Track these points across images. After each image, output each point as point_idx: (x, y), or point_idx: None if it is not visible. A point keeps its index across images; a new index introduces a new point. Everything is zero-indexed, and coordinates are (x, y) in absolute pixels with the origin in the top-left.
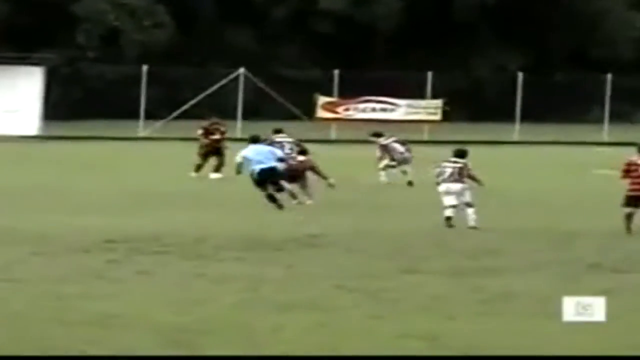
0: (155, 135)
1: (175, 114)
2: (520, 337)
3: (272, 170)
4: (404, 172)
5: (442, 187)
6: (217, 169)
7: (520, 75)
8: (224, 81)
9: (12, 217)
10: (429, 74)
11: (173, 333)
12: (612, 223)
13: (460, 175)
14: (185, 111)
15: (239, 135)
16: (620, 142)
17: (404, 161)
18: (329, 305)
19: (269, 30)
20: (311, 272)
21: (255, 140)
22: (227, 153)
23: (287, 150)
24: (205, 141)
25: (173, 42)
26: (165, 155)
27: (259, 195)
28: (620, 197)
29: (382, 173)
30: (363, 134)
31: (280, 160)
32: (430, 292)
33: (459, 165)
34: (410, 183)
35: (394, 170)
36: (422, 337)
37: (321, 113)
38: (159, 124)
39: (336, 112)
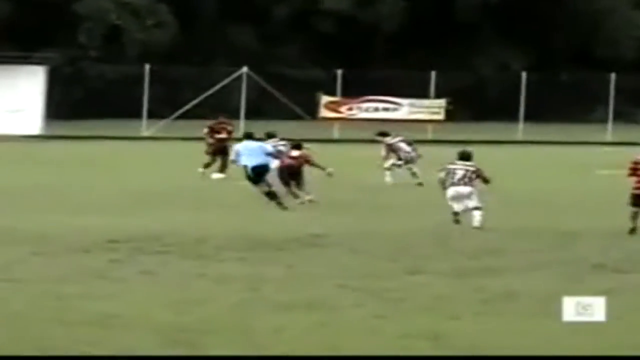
0: (157, 134)
1: (177, 113)
2: (523, 337)
3: (263, 167)
4: (414, 174)
5: (451, 191)
6: (222, 170)
7: (523, 74)
8: (226, 80)
9: (13, 217)
10: (433, 74)
11: (174, 333)
12: (614, 223)
13: (471, 178)
14: (188, 110)
15: (241, 134)
16: (624, 142)
17: (410, 160)
18: (331, 305)
19: (271, 30)
20: (313, 272)
21: (248, 136)
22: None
23: (282, 149)
24: (211, 140)
25: (175, 41)
26: (168, 154)
27: (260, 195)
28: (623, 198)
29: (388, 173)
30: (366, 134)
31: (269, 155)
32: (433, 292)
33: (471, 168)
34: (420, 184)
35: (400, 170)
36: (425, 337)
37: (324, 112)
38: (161, 123)
39: (339, 112)
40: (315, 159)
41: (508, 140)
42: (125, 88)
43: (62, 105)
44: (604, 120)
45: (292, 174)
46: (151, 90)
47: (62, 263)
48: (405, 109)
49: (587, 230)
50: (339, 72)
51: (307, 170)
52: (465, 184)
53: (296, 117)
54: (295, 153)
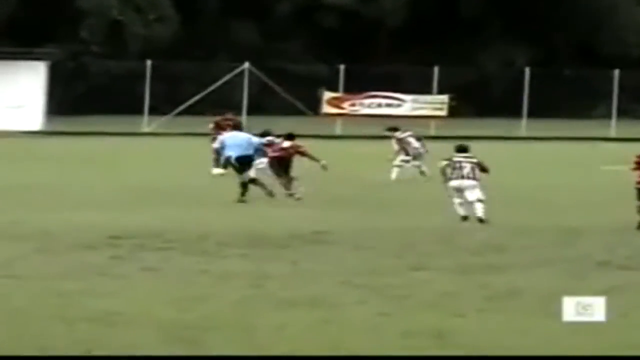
0: (159, 130)
1: (179, 109)
2: (526, 336)
3: (248, 157)
4: (422, 172)
5: (455, 183)
6: (225, 166)
7: (527, 70)
8: (228, 76)
9: (15, 213)
10: (436, 69)
11: (176, 330)
12: (620, 219)
13: (474, 171)
14: (190, 106)
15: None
16: (627, 138)
17: (418, 156)
18: (334, 302)
19: (273, 25)
20: (316, 268)
21: (236, 127)
22: None
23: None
24: (216, 136)
25: (177, 36)
26: (169, 151)
27: (261, 191)
28: (628, 193)
29: (396, 170)
30: (369, 130)
31: (257, 149)
32: (436, 288)
33: (474, 160)
34: (427, 180)
35: (408, 165)
36: (428, 334)
37: (326, 108)
38: (163, 119)
39: (341, 108)
40: (310, 151)
41: (511, 137)
42: (127, 84)
43: (63, 101)
44: (607, 117)
45: (282, 166)
46: (153, 86)
47: (63, 260)
48: (408, 105)
49: (591, 227)
50: (342, 67)
51: (298, 165)
52: (470, 178)
53: (298, 113)
54: (286, 144)
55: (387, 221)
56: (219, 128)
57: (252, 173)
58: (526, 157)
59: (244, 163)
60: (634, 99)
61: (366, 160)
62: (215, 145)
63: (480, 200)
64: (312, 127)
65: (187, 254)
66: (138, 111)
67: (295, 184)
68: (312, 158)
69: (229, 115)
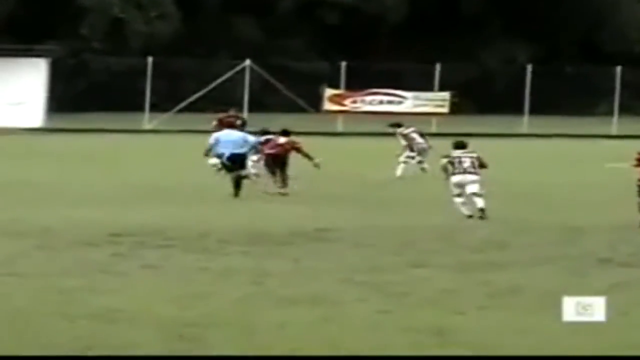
0: (160, 127)
1: (180, 106)
2: (527, 333)
3: (241, 156)
4: (423, 169)
5: (457, 178)
6: None
7: (529, 67)
8: (230, 73)
9: (16, 210)
10: (437, 66)
11: (177, 327)
12: (622, 217)
13: (475, 166)
14: (191, 103)
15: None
16: (629, 135)
17: (422, 152)
18: (335, 300)
19: (275, 22)
20: (317, 266)
21: (230, 125)
22: None
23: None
24: None
25: (178, 33)
26: (171, 148)
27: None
28: (630, 191)
29: (401, 166)
30: (370, 127)
31: (252, 146)
32: (437, 286)
33: (474, 155)
34: (427, 176)
35: (412, 162)
36: (429, 331)
37: (328, 105)
38: (164, 116)
39: (343, 105)
40: (305, 148)
41: (513, 134)
42: (128, 81)
43: (64, 98)
44: (609, 114)
45: (278, 163)
46: (154, 83)
47: (64, 257)
48: (410, 101)
49: (593, 224)
50: (343, 64)
51: (295, 162)
52: (471, 173)
53: (300, 110)
54: (282, 140)
55: (388, 218)
56: (222, 125)
57: (245, 170)
58: (528, 154)
59: (236, 161)
60: (636, 96)
61: (367, 157)
62: (210, 140)
63: (478, 195)
64: (314, 124)
65: (188, 251)
66: (139, 108)
67: (289, 181)
68: (306, 155)
69: (232, 112)
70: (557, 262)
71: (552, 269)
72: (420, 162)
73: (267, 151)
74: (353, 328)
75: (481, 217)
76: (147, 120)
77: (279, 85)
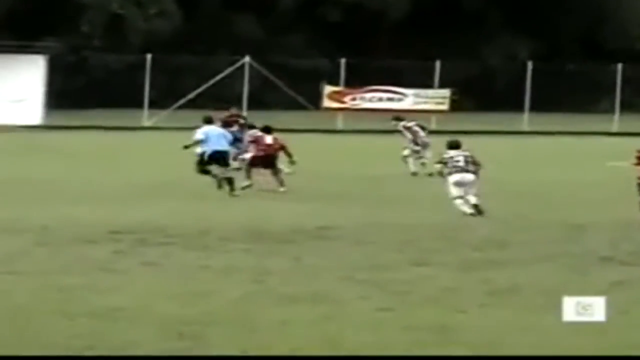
0: (159, 124)
1: (179, 103)
2: (529, 331)
3: (223, 153)
4: (423, 164)
5: (457, 176)
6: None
7: (529, 64)
8: (229, 70)
9: (16, 208)
10: (437, 63)
11: (177, 325)
12: (623, 215)
13: (470, 164)
14: (190, 100)
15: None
16: (631, 132)
17: (425, 145)
18: (336, 298)
19: (274, 18)
20: (318, 264)
21: (209, 121)
22: None
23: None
24: None
25: (178, 30)
26: (170, 145)
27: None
28: (631, 189)
29: (410, 160)
30: (370, 124)
31: (231, 143)
32: (438, 284)
33: (469, 154)
34: (430, 175)
35: (419, 155)
36: (430, 329)
37: (327, 102)
38: (163, 113)
39: (343, 102)
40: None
41: (513, 131)
42: (127, 78)
43: (63, 94)
44: (610, 111)
45: (267, 163)
46: (153, 79)
47: (64, 254)
48: (410, 99)
49: (594, 222)
50: (343, 61)
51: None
52: (468, 171)
53: (299, 107)
54: (269, 140)
55: (389, 216)
56: (226, 125)
57: (216, 169)
58: (528, 152)
59: (219, 159)
60: (637, 93)
61: (367, 154)
62: (199, 136)
63: (474, 195)
64: (313, 122)
65: (189, 249)
66: (138, 105)
67: (280, 178)
68: (288, 154)
69: (234, 111)
70: (558, 260)
71: (553, 267)
72: (419, 157)
73: (256, 153)
74: (354, 326)
75: (473, 214)
76: (147, 117)
77: (278, 83)
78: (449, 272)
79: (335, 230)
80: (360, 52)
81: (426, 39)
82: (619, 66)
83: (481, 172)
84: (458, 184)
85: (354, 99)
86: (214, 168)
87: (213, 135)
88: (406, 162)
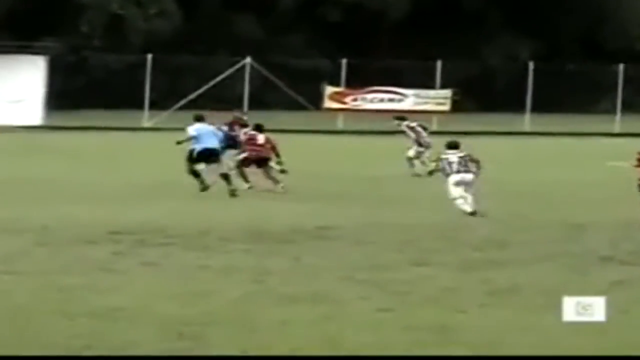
0: (160, 125)
1: (180, 104)
2: (529, 331)
3: (213, 151)
4: (423, 163)
5: (456, 177)
6: None
7: (530, 64)
8: (230, 70)
9: (15, 208)
10: (438, 64)
11: (177, 325)
12: (624, 215)
13: (467, 164)
14: (190, 101)
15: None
16: (632, 132)
17: (427, 146)
18: (336, 298)
19: (275, 19)
20: (318, 264)
21: (199, 119)
22: None
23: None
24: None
25: (178, 30)
26: (170, 145)
27: (264, 187)
28: (632, 189)
29: (416, 162)
30: (371, 125)
31: (221, 141)
32: (438, 284)
33: (466, 154)
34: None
35: (424, 157)
36: (430, 330)
37: (328, 103)
38: (164, 114)
39: (343, 103)
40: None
41: (515, 132)
42: (127, 78)
43: (63, 95)
44: (611, 111)
45: (260, 163)
46: (153, 80)
47: (64, 255)
48: (411, 99)
49: (595, 222)
50: (344, 61)
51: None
52: (467, 171)
53: (300, 107)
54: (261, 139)
55: (389, 216)
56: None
57: (203, 168)
58: (529, 152)
59: (208, 156)
60: (638, 93)
61: (368, 155)
62: (191, 133)
63: (472, 194)
64: (314, 122)
65: (188, 249)
66: (138, 106)
67: (274, 176)
68: (278, 157)
69: (237, 114)
70: (558, 260)
71: (553, 266)
72: (418, 157)
73: (249, 154)
74: (354, 326)
75: (473, 214)
76: (147, 117)
77: (279, 83)
78: (449, 272)
79: (335, 230)
80: (360, 52)
81: (426, 39)
82: (620, 67)
83: (482, 172)
84: (458, 183)
85: (355, 100)
86: (203, 170)
87: (204, 133)
88: (411, 164)
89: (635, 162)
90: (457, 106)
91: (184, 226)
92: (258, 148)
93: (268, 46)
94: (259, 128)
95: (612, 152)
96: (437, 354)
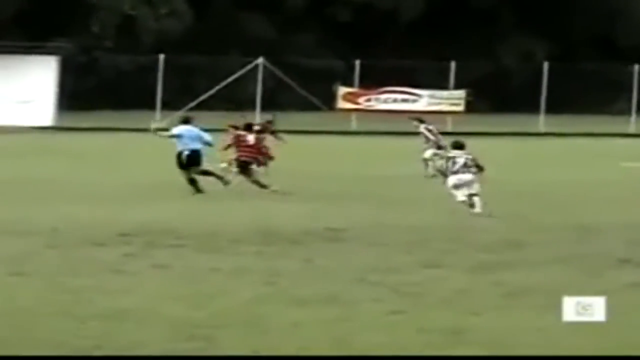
0: (171, 126)
1: (191, 104)
2: (542, 333)
3: (196, 152)
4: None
5: (453, 179)
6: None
7: (545, 64)
8: (242, 71)
9: (26, 209)
10: (452, 64)
11: (188, 327)
12: (639, 216)
13: (470, 166)
14: (202, 101)
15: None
16: None
17: (446, 148)
18: (348, 300)
19: (287, 18)
20: (329, 265)
21: (186, 121)
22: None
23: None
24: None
25: (189, 30)
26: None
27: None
28: None
29: (430, 164)
30: (384, 126)
31: (207, 144)
32: (451, 286)
33: (470, 156)
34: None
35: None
36: (443, 331)
37: (341, 104)
38: (175, 114)
39: (357, 103)
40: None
41: (529, 132)
42: (139, 78)
43: (74, 96)
44: (626, 112)
45: (251, 163)
46: (165, 80)
47: (73, 256)
48: (425, 100)
49: (610, 224)
50: (357, 62)
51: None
52: (467, 172)
53: (313, 108)
54: (251, 139)
55: (401, 218)
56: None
57: (192, 171)
58: (543, 153)
59: (193, 158)
60: None
61: (381, 156)
62: (173, 132)
63: (475, 195)
64: (327, 123)
65: (199, 251)
66: (150, 106)
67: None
68: (269, 157)
69: (267, 118)
70: (572, 261)
71: (567, 268)
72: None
73: (240, 157)
74: (366, 328)
75: (478, 214)
76: (158, 118)
77: (292, 83)
78: (462, 274)
79: (347, 231)
80: (372, 52)
81: (439, 39)
82: (636, 67)
83: (495, 173)
84: (456, 186)
85: (368, 100)
86: (196, 175)
87: (187, 135)
88: (427, 165)
89: None
90: (471, 107)
91: (195, 227)
92: (247, 149)
93: (279, 46)
94: (249, 127)
95: (627, 152)
96: (451, 356)
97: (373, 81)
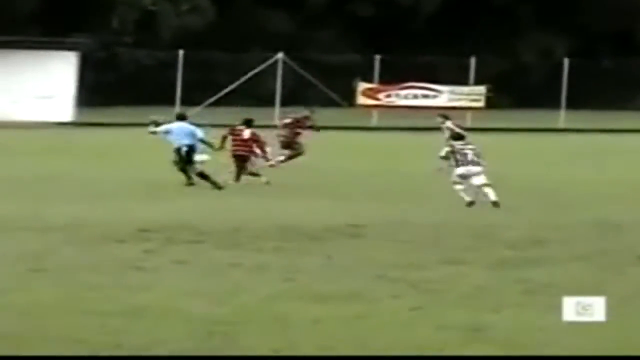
0: (191, 121)
1: (211, 99)
2: (564, 332)
3: (191, 147)
4: None
5: (462, 169)
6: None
7: (566, 61)
8: (262, 66)
9: (45, 205)
10: (472, 60)
11: (208, 324)
12: None
13: (478, 156)
14: (222, 97)
15: (277, 122)
16: None
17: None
18: (369, 296)
19: (307, 14)
20: (350, 262)
21: (181, 117)
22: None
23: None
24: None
25: (210, 26)
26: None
27: (296, 183)
28: None
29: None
30: (405, 121)
31: (201, 141)
32: (472, 282)
33: (477, 148)
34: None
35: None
36: (464, 328)
37: (362, 99)
38: (195, 110)
39: (377, 99)
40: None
41: (549, 128)
42: (159, 74)
43: (94, 91)
44: None
45: (244, 161)
46: (185, 76)
47: (94, 252)
48: (445, 96)
49: (632, 220)
50: (377, 57)
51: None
52: (476, 164)
53: (333, 104)
54: (247, 134)
55: (422, 214)
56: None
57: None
58: (564, 149)
59: (189, 153)
60: None
61: (402, 152)
62: (163, 128)
63: (487, 185)
64: (348, 119)
65: (219, 247)
66: (170, 102)
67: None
68: (262, 150)
69: (306, 112)
70: (594, 259)
71: (589, 266)
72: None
73: (234, 151)
74: (387, 325)
75: (495, 204)
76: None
77: (312, 79)
78: (483, 271)
79: (367, 228)
80: (392, 47)
81: (458, 34)
82: None
83: (515, 169)
84: (463, 176)
85: (388, 96)
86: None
87: (179, 132)
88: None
89: None
90: (491, 103)
91: (214, 223)
92: (240, 144)
93: (299, 42)
94: (248, 123)
95: None
96: (471, 354)
97: (393, 77)
